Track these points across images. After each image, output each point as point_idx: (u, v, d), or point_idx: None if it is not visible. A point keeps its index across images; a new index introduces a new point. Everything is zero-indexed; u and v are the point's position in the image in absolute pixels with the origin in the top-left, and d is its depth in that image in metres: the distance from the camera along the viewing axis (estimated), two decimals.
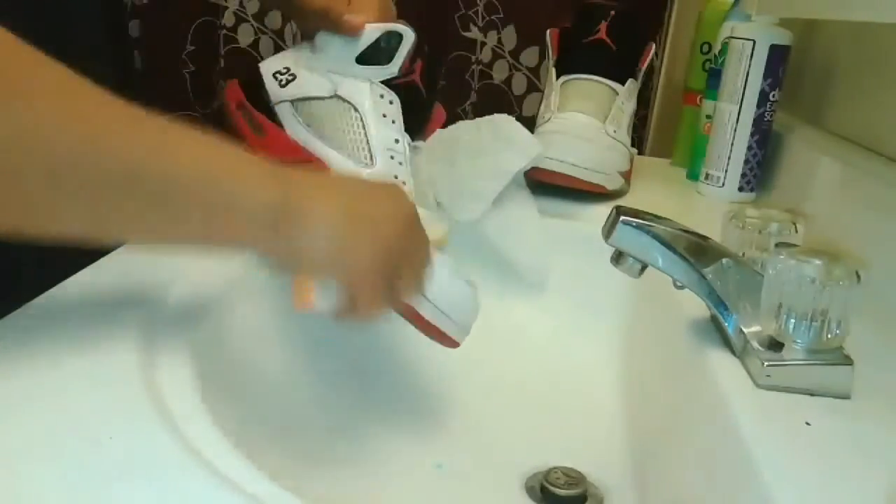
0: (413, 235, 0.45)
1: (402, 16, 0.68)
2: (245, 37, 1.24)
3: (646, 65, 0.80)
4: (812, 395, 0.39)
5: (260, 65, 0.63)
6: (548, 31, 0.82)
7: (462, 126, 0.70)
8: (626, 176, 0.76)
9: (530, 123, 0.78)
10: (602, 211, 0.60)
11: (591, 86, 0.76)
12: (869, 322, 0.48)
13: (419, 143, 0.67)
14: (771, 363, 0.40)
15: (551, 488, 0.49)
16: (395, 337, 0.63)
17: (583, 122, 0.73)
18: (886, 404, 0.39)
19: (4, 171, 0.31)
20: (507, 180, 0.65)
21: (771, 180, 0.78)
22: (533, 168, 0.70)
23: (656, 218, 0.44)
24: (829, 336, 0.39)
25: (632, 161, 0.78)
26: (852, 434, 0.36)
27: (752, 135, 0.76)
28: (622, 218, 0.43)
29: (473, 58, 1.23)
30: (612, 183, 0.73)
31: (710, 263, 0.43)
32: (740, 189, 0.77)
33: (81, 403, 0.33)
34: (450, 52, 1.22)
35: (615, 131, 0.74)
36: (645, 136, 1.24)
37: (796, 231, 0.49)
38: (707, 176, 0.79)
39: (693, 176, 0.84)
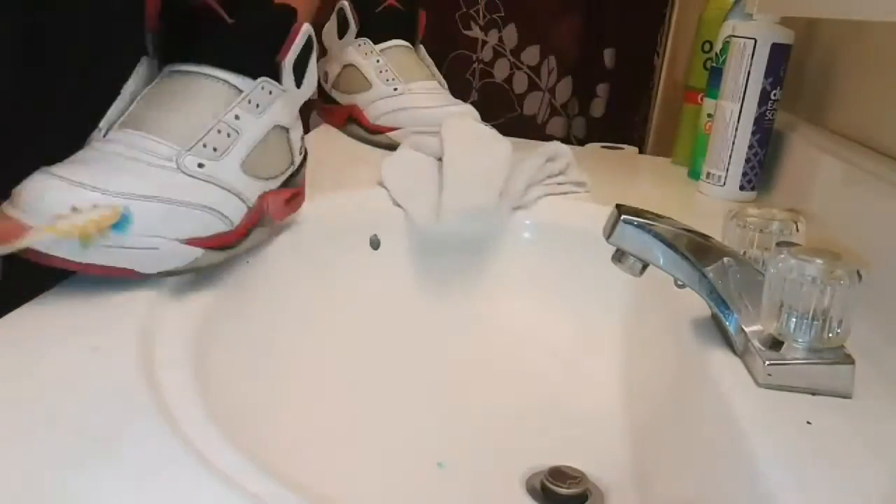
0: None
1: None
2: None
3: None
4: (813, 394, 0.39)
5: None
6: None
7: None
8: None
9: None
10: (602, 211, 0.60)
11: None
12: (870, 321, 0.48)
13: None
14: (772, 362, 0.40)
15: (552, 487, 0.49)
16: (396, 337, 0.63)
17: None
18: (888, 403, 0.39)
19: None
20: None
21: (772, 179, 0.78)
22: None
23: (657, 217, 0.44)
24: (831, 335, 0.39)
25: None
26: (854, 433, 0.36)
27: (754, 133, 0.76)
28: (623, 217, 0.43)
29: (474, 56, 1.23)
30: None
31: (711, 262, 0.43)
32: (741, 188, 0.77)
33: (81, 403, 0.33)
34: (450, 50, 1.22)
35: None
36: (646, 134, 1.24)
37: (797, 230, 0.48)
38: (708, 175, 0.79)
39: (694, 175, 0.84)
